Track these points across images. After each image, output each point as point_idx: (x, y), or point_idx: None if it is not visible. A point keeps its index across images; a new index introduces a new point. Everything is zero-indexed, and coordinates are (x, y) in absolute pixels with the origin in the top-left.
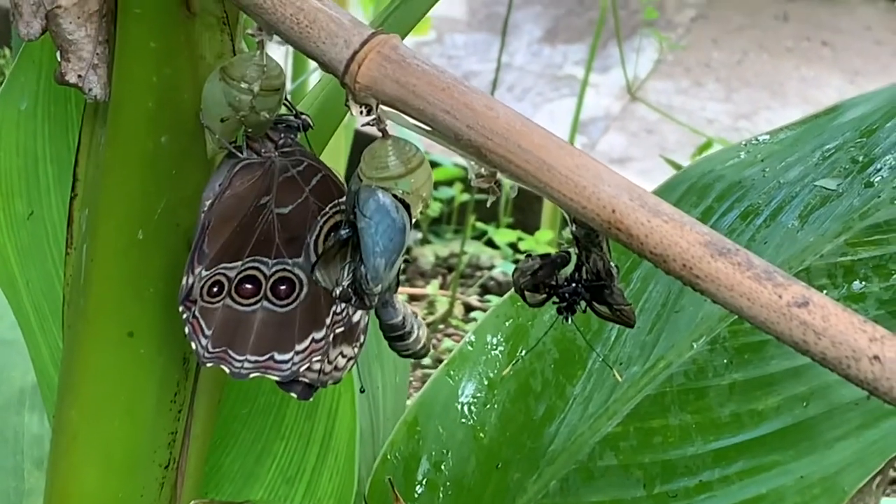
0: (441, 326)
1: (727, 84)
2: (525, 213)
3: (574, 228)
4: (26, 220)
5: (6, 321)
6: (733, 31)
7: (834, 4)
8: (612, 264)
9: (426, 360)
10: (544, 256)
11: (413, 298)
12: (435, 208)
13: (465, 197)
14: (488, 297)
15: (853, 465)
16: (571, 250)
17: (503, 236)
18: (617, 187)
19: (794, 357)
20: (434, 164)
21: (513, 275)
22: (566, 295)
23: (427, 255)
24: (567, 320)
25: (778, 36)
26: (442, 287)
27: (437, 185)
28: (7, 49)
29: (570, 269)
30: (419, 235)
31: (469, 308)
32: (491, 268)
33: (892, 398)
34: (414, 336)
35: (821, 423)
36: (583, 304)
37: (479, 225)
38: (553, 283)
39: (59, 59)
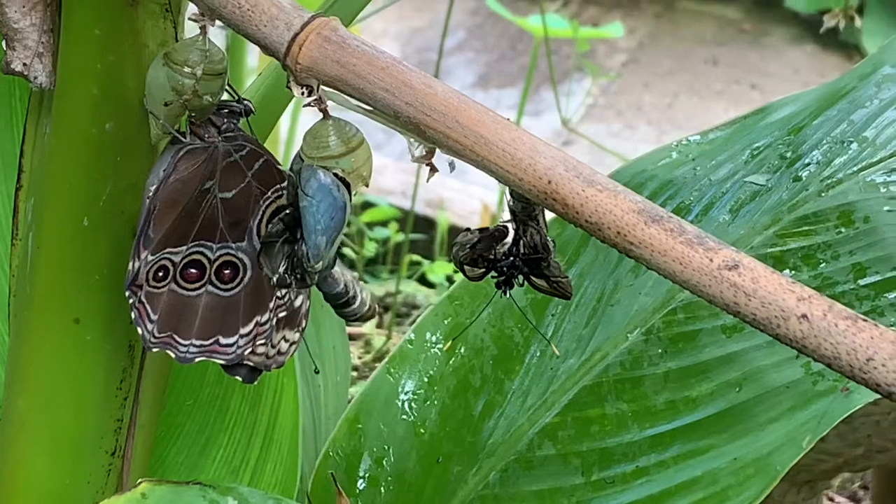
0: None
1: (658, 127)
2: None
3: (511, 202)
4: None
5: None
6: (664, 75)
7: (762, 48)
8: (549, 238)
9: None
10: (483, 230)
11: (351, 338)
12: (370, 248)
13: (401, 237)
14: None
15: (785, 446)
16: (509, 224)
17: (440, 269)
18: (552, 159)
19: (726, 344)
20: (369, 205)
21: (450, 248)
22: (504, 268)
23: None
24: (505, 293)
25: (708, 79)
26: (379, 326)
27: (372, 225)
28: None
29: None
30: (355, 275)
31: None
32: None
33: (820, 355)
34: (359, 300)
35: (753, 406)
36: (521, 278)
37: (416, 258)
38: (491, 256)
39: (4, 49)
